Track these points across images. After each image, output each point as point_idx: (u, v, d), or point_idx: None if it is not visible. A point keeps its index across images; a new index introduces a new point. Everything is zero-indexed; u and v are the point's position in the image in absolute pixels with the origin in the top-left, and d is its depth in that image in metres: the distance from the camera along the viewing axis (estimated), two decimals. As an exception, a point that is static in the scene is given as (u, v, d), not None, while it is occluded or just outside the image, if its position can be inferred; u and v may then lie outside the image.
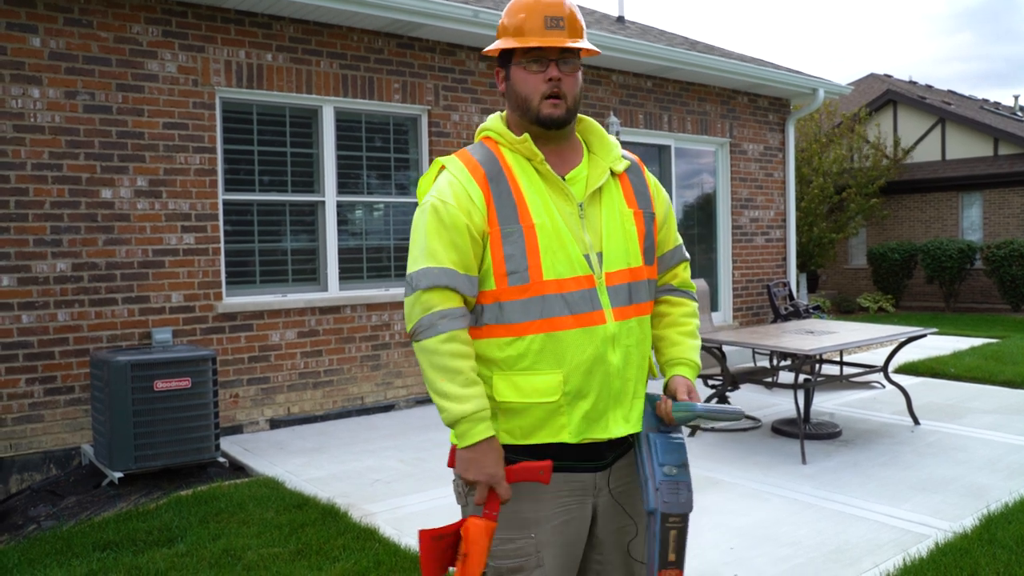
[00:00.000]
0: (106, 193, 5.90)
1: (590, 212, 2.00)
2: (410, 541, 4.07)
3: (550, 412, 1.91)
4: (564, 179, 2.00)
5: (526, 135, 1.98)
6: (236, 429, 6.43)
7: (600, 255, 1.97)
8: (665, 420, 1.96)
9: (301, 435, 6.39)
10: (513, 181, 1.96)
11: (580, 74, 2.01)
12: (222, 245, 6.43)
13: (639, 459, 1.99)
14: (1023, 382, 8.08)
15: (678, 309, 2.19)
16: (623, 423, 1.97)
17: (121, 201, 5.96)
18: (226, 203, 6.53)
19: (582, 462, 1.96)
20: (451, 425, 1.87)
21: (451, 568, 1.89)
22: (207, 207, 6.32)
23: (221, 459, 5.54)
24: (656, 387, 2.20)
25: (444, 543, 1.86)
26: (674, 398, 2.00)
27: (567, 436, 1.91)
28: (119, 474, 5.11)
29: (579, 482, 1.96)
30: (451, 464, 1.95)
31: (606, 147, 2.09)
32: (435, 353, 1.86)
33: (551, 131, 1.99)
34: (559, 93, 1.96)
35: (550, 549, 1.93)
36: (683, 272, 2.24)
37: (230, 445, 6.04)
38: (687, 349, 2.12)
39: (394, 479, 5.20)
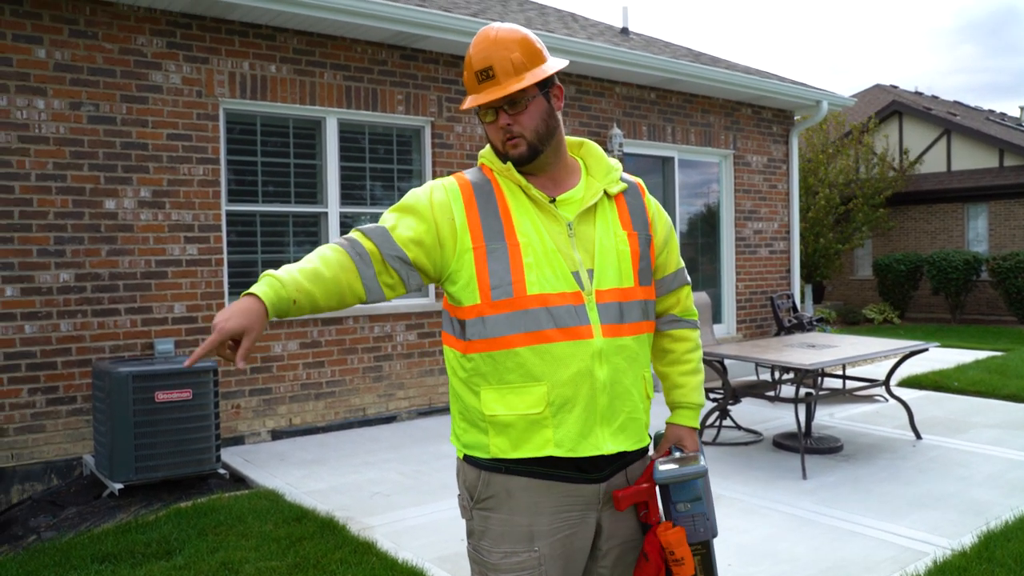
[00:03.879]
0: (109, 204, 5.93)
1: (581, 231, 2.02)
2: (407, 555, 4.07)
3: (533, 424, 1.92)
4: (556, 200, 2.05)
5: (510, 164, 2.05)
6: (237, 440, 6.44)
7: (591, 272, 1.99)
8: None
9: (302, 446, 6.40)
10: (502, 202, 2.02)
11: (540, 102, 2.02)
12: (225, 256, 6.46)
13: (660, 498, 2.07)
14: (1027, 396, 8.05)
15: (681, 345, 2.23)
16: (612, 440, 1.98)
17: (124, 212, 5.99)
18: (229, 214, 6.56)
19: (580, 473, 1.97)
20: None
21: None
22: (210, 218, 6.35)
23: (222, 471, 5.55)
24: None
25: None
26: (674, 447, 2.14)
27: (553, 450, 1.93)
28: (119, 485, 5.13)
29: (580, 495, 1.97)
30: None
31: (603, 169, 2.13)
32: (308, 265, 1.90)
33: (527, 165, 2.06)
34: (514, 135, 2.02)
35: (552, 562, 1.95)
36: (686, 299, 2.25)
37: (231, 456, 6.05)
38: (689, 392, 2.20)
39: (394, 492, 5.20)
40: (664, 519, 2.03)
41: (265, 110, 6.72)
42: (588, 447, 1.95)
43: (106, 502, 5.17)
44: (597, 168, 2.12)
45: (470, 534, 2.04)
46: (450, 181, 2.06)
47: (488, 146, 2.14)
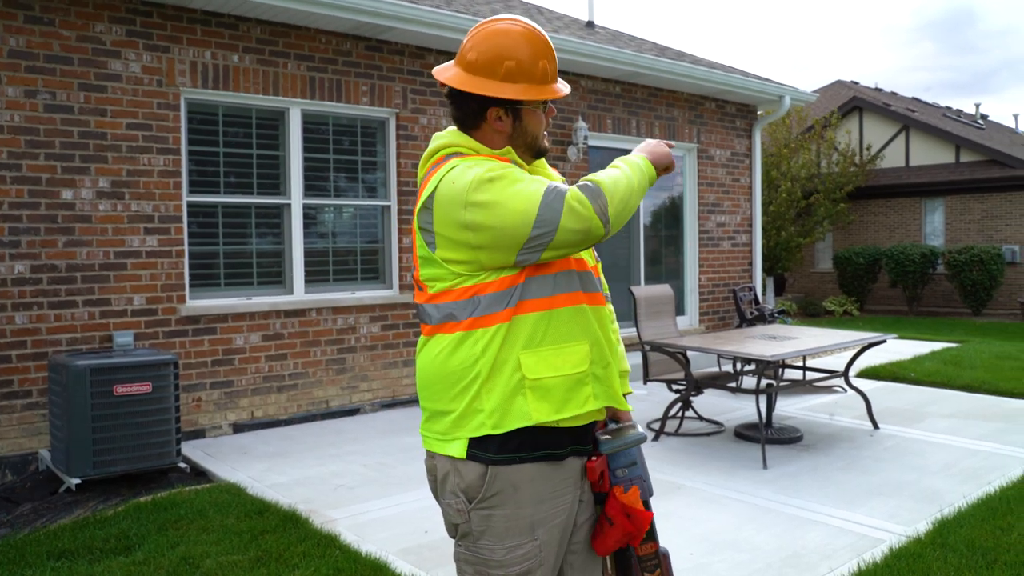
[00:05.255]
0: (67, 194, 5.82)
1: None
2: (370, 548, 4.06)
3: (578, 382, 1.98)
4: None
5: (509, 148, 2.07)
6: (199, 433, 6.37)
7: None
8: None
9: (265, 439, 6.35)
10: None
11: None
12: (186, 247, 6.37)
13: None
14: (980, 386, 8.22)
15: None
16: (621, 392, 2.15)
17: (82, 202, 5.88)
18: (190, 205, 6.47)
19: (581, 446, 2.04)
20: (648, 170, 2.06)
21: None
22: (171, 209, 6.26)
23: (182, 464, 5.49)
24: None
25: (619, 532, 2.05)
26: (609, 419, 2.18)
27: (593, 403, 2.00)
28: (77, 480, 5.05)
29: (572, 474, 2.03)
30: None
31: (543, 162, 2.23)
32: (616, 182, 1.94)
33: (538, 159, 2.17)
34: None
35: (549, 548, 2.01)
36: (600, 272, 2.35)
37: (192, 450, 5.99)
38: (617, 359, 2.26)
39: (357, 484, 5.18)
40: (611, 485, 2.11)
41: (227, 100, 6.64)
42: (617, 399, 2.09)
43: (63, 497, 5.09)
44: (539, 162, 2.22)
45: (464, 536, 1.99)
46: (484, 160, 2.00)
47: (455, 134, 2.09)
